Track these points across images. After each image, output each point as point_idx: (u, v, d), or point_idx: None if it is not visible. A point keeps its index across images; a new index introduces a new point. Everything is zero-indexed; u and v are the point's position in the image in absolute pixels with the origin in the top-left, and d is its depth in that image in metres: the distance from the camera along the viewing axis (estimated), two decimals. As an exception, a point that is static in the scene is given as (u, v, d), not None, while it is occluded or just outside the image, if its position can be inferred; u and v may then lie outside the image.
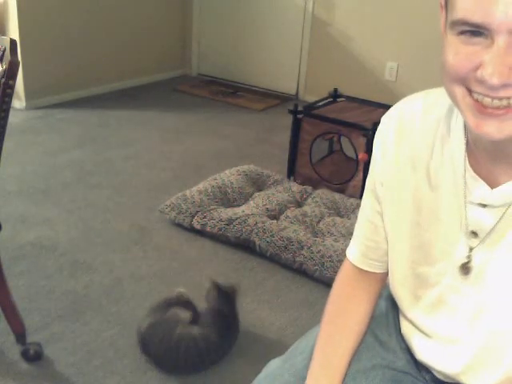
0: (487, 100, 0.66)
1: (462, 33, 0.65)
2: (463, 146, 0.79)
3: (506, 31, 0.61)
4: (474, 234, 0.79)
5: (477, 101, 0.67)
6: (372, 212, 0.94)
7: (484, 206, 0.78)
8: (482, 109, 0.66)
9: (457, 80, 0.68)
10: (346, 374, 0.96)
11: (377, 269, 0.98)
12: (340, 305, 1.01)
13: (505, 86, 0.63)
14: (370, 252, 0.97)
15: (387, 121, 0.89)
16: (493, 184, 0.77)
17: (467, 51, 0.65)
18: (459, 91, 0.69)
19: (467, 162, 0.79)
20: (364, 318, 1.00)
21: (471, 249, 0.80)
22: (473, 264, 0.80)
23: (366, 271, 0.99)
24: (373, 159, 0.92)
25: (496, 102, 0.65)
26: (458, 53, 0.66)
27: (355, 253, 1.00)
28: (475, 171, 0.78)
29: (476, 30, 0.64)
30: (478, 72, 0.64)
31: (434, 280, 0.85)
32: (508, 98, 0.65)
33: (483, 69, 0.64)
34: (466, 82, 0.67)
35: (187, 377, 1.73)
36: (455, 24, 0.65)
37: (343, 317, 0.99)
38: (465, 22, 0.64)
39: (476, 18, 0.62)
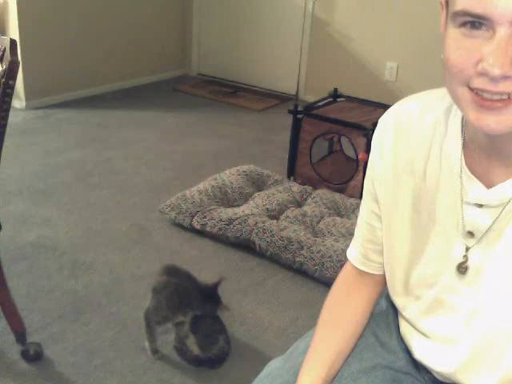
0: (487, 94, 0.66)
1: (463, 24, 0.65)
2: (460, 146, 0.79)
3: (508, 22, 0.62)
4: (471, 234, 0.80)
5: (477, 94, 0.67)
6: (369, 213, 0.94)
7: (480, 206, 0.78)
8: (481, 102, 0.67)
9: (458, 78, 0.68)
10: (344, 376, 0.95)
11: (376, 270, 0.98)
12: (338, 305, 1.01)
13: (505, 77, 0.63)
14: (369, 253, 0.97)
15: (384, 123, 0.88)
16: (489, 184, 0.77)
17: (468, 45, 0.65)
18: (460, 90, 0.69)
19: (463, 162, 0.79)
20: (361, 319, 0.99)
21: (468, 249, 0.80)
22: (469, 264, 0.81)
23: (366, 273, 0.99)
24: (370, 161, 0.91)
25: (496, 96, 0.66)
26: (459, 47, 0.66)
27: (355, 254, 1.00)
28: (471, 171, 0.78)
29: (477, 21, 0.64)
30: (479, 66, 0.65)
31: (431, 280, 0.86)
32: (508, 94, 0.65)
33: (484, 61, 0.64)
34: (467, 80, 0.67)
35: (187, 377, 1.73)
36: (456, 15, 0.66)
37: (340, 317, 0.99)
38: (466, 13, 0.64)
39: (477, 8, 0.63)
